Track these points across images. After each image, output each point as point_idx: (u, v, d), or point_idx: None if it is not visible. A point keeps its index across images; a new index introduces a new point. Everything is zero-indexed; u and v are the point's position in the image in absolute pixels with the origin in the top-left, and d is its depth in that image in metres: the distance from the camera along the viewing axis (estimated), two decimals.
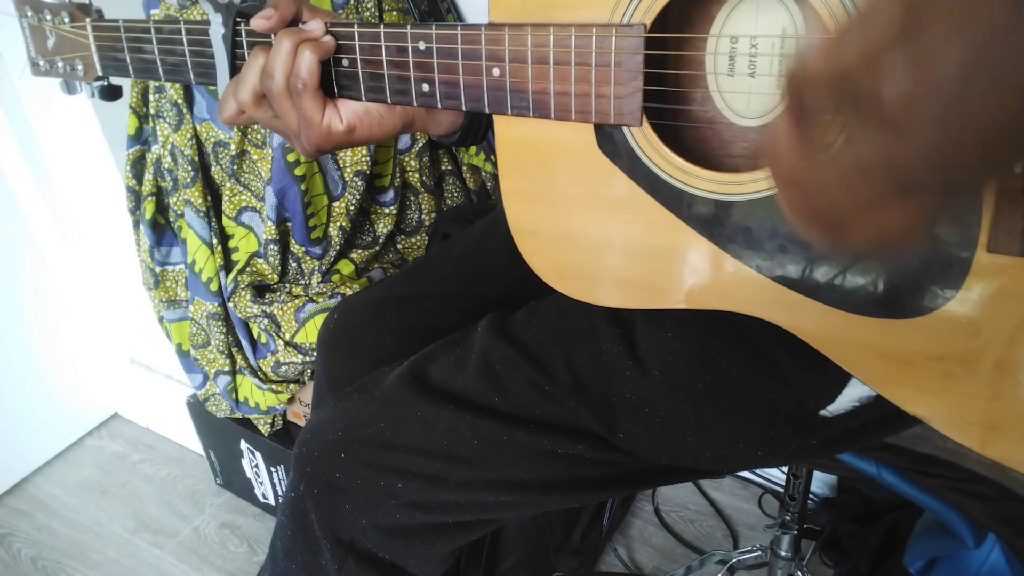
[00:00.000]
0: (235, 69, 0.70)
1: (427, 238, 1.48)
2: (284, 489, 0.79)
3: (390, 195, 1.40)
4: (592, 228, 0.64)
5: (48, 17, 0.80)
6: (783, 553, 1.22)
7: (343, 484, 0.73)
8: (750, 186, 0.57)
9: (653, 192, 0.60)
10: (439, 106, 0.66)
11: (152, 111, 1.29)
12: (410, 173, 1.42)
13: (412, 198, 1.44)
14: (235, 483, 1.66)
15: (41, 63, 0.84)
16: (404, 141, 1.39)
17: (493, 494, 0.73)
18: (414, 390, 0.73)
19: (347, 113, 0.70)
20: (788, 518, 1.19)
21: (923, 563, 1.18)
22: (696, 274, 0.61)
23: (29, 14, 0.81)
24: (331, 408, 0.77)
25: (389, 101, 0.68)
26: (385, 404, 0.74)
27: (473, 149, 1.48)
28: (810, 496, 1.44)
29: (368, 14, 1.31)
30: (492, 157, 1.50)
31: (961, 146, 0.34)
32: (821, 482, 1.54)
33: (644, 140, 0.60)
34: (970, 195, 0.37)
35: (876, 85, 0.34)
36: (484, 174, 1.53)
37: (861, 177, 0.37)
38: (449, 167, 1.49)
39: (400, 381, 0.74)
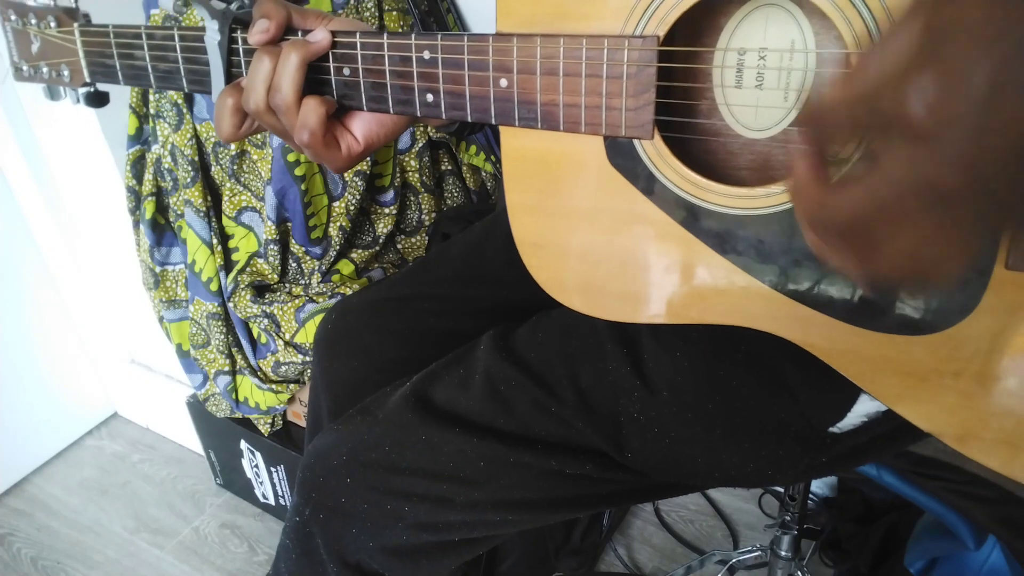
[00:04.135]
0: (231, 76, 0.69)
1: (427, 238, 1.47)
2: (288, 510, 0.78)
3: (390, 195, 1.40)
4: (600, 242, 0.62)
5: (33, 21, 0.77)
6: (783, 553, 1.22)
7: (349, 509, 0.73)
8: (763, 200, 0.56)
9: (664, 206, 0.59)
10: (443, 117, 0.64)
11: (152, 111, 1.28)
12: (410, 173, 1.41)
13: (412, 198, 1.43)
14: (235, 483, 1.66)
15: (24, 68, 0.81)
16: (404, 141, 1.38)
17: (500, 513, 0.73)
18: (418, 412, 0.72)
19: (361, 132, 0.68)
20: (788, 518, 1.19)
21: (923, 563, 1.18)
22: (707, 288, 0.60)
23: (13, 18, 0.79)
24: (335, 432, 0.76)
25: (391, 111, 0.66)
26: (389, 427, 0.73)
27: (473, 149, 1.47)
28: (810, 496, 1.44)
29: (368, 14, 1.29)
30: (492, 157, 1.49)
31: (995, 154, 0.34)
32: (821, 482, 1.54)
33: (655, 153, 0.59)
34: (1006, 212, 0.36)
35: (904, 102, 0.34)
36: (484, 174, 1.52)
37: (894, 197, 0.37)
38: (449, 167, 1.48)
39: (404, 403, 0.74)
